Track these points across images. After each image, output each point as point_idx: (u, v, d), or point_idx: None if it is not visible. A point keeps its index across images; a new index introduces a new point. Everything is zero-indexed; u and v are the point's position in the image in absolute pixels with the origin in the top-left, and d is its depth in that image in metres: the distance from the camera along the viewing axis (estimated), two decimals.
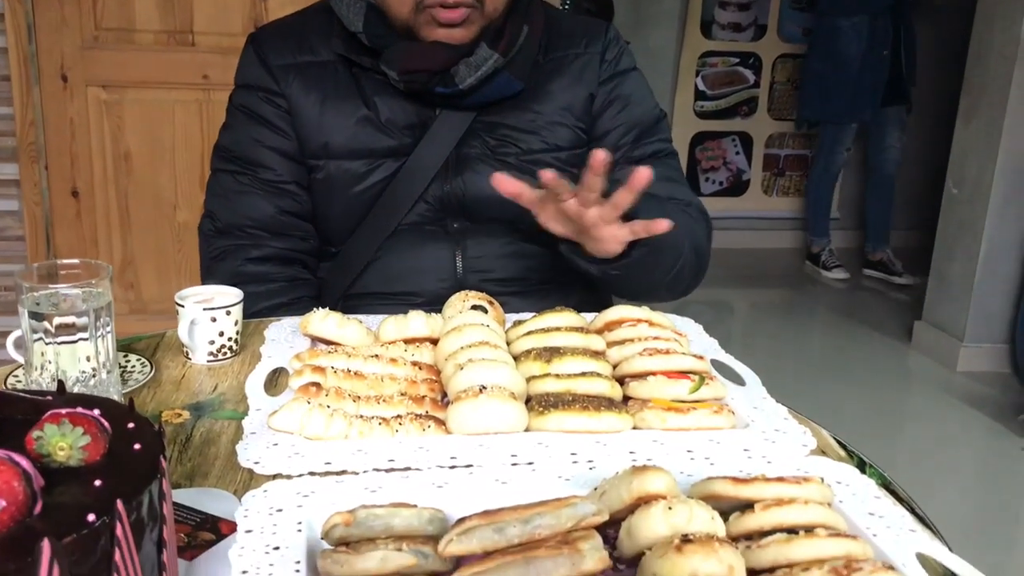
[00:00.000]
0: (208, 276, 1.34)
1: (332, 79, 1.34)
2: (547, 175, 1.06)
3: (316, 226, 1.38)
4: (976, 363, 3.41)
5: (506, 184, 1.11)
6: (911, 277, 4.40)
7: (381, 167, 1.33)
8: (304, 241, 1.37)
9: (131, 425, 0.65)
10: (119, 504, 0.55)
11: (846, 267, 4.54)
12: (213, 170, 1.39)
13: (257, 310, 1.28)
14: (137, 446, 0.62)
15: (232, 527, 0.74)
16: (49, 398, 0.67)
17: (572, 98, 1.38)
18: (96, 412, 0.63)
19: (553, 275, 1.35)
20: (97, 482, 0.57)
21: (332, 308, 1.08)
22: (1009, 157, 3.25)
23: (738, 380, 1.05)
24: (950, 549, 0.73)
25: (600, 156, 1.03)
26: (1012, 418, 3.01)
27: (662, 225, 1.08)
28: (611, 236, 1.12)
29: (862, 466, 0.90)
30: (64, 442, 0.59)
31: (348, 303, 1.35)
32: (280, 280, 1.34)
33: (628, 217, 1.19)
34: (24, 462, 0.54)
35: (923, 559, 0.72)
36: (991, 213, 3.30)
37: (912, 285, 4.34)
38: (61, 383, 0.70)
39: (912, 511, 0.81)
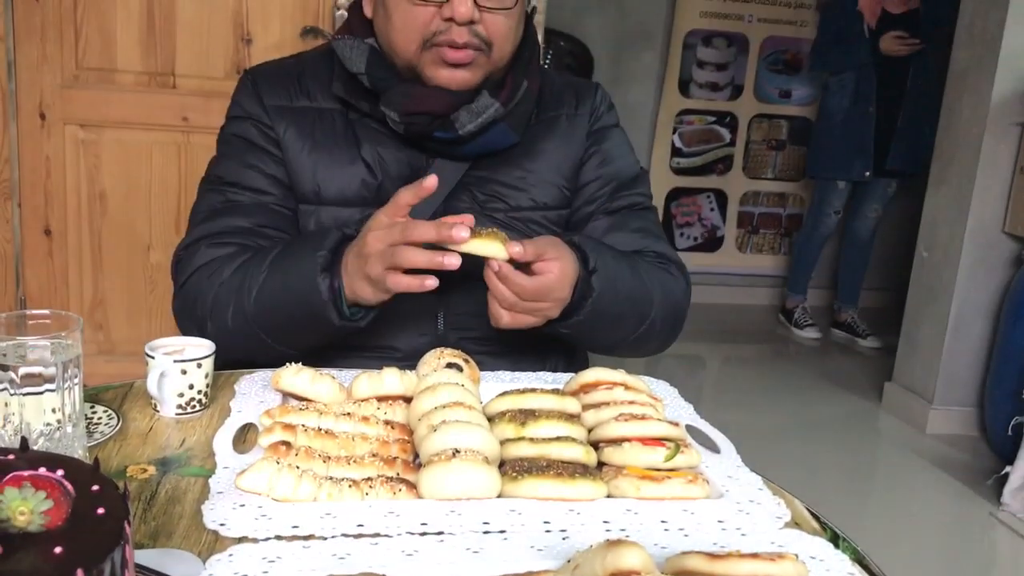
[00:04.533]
0: (177, 291, 1.30)
1: (328, 126, 1.33)
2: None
3: None
4: (946, 426, 3.43)
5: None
6: (876, 340, 4.43)
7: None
8: (274, 238, 1.31)
9: (95, 488, 0.63)
10: (79, 573, 0.53)
11: (818, 326, 4.57)
12: (197, 199, 1.35)
13: (232, 270, 1.25)
14: (101, 510, 0.60)
15: None
16: (11, 456, 0.65)
17: (562, 158, 1.39)
18: (60, 473, 0.61)
19: (531, 335, 1.35)
20: (57, 549, 0.55)
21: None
22: (978, 223, 3.30)
23: (713, 447, 1.05)
24: None
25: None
26: (982, 482, 3.02)
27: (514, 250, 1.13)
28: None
29: (836, 539, 0.90)
30: (25, 506, 0.57)
31: (324, 351, 1.32)
32: (243, 241, 1.29)
33: (585, 262, 1.22)
34: None
35: None
36: (960, 278, 3.34)
37: (877, 348, 4.38)
38: (24, 440, 0.68)
39: None
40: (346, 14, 1.38)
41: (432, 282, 1.11)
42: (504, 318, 1.18)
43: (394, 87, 1.28)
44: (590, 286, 1.22)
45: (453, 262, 1.09)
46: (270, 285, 1.21)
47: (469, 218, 1.13)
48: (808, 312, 4.62)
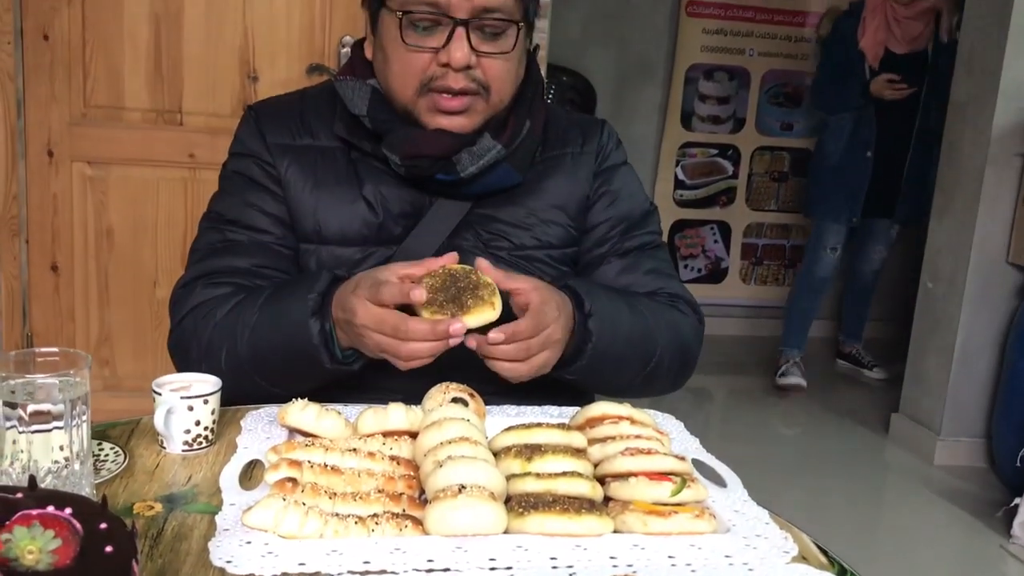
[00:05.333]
0: (172, 330, 1.30)
1: (330, 165, 1.33)
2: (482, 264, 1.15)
3: None
4: (953, 457, 3.41)
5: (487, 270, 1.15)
6: (882, 371, 4.41)
7: (374, 255, 1.32)
8: (272, 278, 1.31)
9: (103, 525, 0.63)
10: None
11: (804, 376, 4.27)
12: (197, 236, 1.35)
13: (229, 308, 1.25)
14: (108, 548, 0.61)
15: None
16: (19, 495, 0.65)
17: (567, 196, 1.38)
18: (68, 512, 0.61)
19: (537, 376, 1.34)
20: None
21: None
22: (982, 254, 3.31)
23: (719, 481, 1.04)
24: None
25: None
26: (991, 514, 3.00)
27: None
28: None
29: (843, 573, 0.89)
30: (33, 545, 0.57)
31: (325, 389, 1.31)
32: (240, 281, 1.29)
33: (580, 306, 1.22)
34: None
35: None
36: (965, 308, 3.34)
37: (883, 379, 4.35)
38: (33, 478, 0.68)
39: None
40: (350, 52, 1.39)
41: (441, 350, 1.12)
42: (521, 368, 1.16)
43: (396, 130, 1.29)
44: (587, 330, 1.22)
45: (457, 341, 1.11)
46: (261, 328, 1.21)
47: (452, 256, 1.15)
48: (799, 365, 4.27)
